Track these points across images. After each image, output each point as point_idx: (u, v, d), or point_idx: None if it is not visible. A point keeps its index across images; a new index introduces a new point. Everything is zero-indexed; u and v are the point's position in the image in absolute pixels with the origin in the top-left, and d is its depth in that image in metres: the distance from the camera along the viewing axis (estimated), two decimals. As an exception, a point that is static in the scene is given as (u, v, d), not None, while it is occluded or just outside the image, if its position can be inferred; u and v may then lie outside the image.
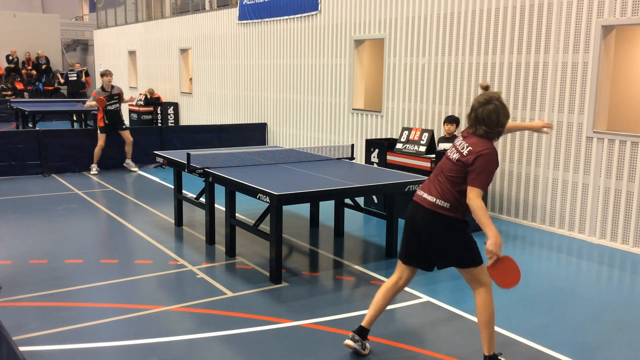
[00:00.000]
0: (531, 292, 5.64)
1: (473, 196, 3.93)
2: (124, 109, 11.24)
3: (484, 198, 4.28)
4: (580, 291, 5.76)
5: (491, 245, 3.93)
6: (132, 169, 11.54)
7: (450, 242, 4.11)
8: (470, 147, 3.92)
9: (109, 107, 11.07)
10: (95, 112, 11.78)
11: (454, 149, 4.06)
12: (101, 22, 24.18)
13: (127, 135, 11.42)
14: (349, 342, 4.26)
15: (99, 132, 11.14)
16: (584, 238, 7.43)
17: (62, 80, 21.42)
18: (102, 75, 11.15)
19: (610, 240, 7.20)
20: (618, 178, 7.07)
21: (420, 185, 4.24)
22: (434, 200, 4.06)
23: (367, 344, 4.31)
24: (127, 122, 19.16)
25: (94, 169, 11.25)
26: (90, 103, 11.23)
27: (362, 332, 4.27)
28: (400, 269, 4.30)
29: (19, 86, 24.32)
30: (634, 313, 5.21)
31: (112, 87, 11.19)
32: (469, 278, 4.15)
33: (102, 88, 11.10)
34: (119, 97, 11.23)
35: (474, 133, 3.98)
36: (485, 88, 4.17)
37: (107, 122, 11.11)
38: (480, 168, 3.86)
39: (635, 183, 6.91)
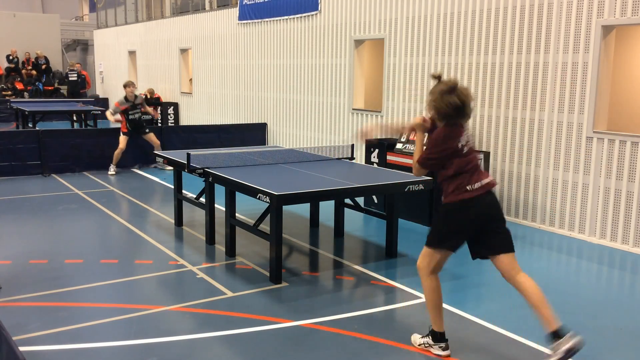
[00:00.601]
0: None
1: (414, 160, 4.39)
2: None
3: None
4: (580, 291, 5.76)
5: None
6: (168, 168, 11.15)
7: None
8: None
9: (131, 117, 11.26)
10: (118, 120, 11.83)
11: (466, 139, 4.24)
12: (101, 22, 24.19)
13: (152, 138, 11.50)
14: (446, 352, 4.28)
15: (121, 135, 11.27)
16: (584, 238, 7.43)
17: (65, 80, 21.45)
18: (125, 86, 11.25)
19: (610, 240, 7.20)
20: (618, 178, 7.07)
21: (475, 177, 4.25)
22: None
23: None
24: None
25: (112, 169, 11.27)
26: (111, 117, 11.54)
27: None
28: (442, 259, 4.31)
29: (19, 86, 24.32)
30: (634, 313, 5.21)
31: (136, 96, 11.35)
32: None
33: (126, 98, 11.21)
34: (141, 106, 11.41)
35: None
36: (438, 78, 4.34)
37: (129, 128, 11.30)
38: (430, 140, 4.29)
39: (635, 183, 6.91)
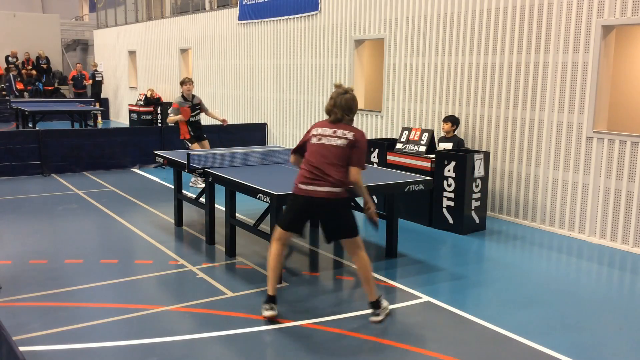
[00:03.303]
0: (531, 292, 5.65)
1: (358, 173, 4.74)
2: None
3: None
4: (580, 291, 5.76)
5: (372, 208, 4.88)
6: (199, 185, 9.88)
7: (346, 216, 4.82)
8: (352, 132, 4.71)
9: (192, 119, 9.90)
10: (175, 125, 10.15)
11: (330, 137, 4.72)
12: (101, 22, 24.19)
13: (206, 145, 10.16)
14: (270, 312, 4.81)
15: (189, 144, 9.91)
16: (584, 238, 7.43)
17: (89, 81, 21.32)
18: (182, 83, 9.79)
19: (610, 240, 7.20)
20: (618, 178, 7.07)
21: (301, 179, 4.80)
22: (331, 189, 4.69)
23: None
24: (127, 122, 19.28)
25: (199, 181, 9.77)
26: (175, 118, 9.72)
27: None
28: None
29: (19, 86, 24.32)
30: (634, 313, 5.21)
31: (193, 96, 9.94)
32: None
33: (183, 97, 9.82)
34: (200, 108, 10.04)
35: (341, 120, 4.77)
36: (338, 86, 4.88)
37: (192, 133, 9.96)
38: (364, 149, 4.78)
39: (635, 183, 6.91)
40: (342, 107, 4.77)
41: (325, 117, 4.92)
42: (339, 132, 4.74)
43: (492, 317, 4.98)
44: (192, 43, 16.87)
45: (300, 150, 4.97)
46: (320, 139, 4.77)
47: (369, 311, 4.86)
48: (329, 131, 4.77)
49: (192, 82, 9.96)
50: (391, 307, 5.04)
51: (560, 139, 7.64)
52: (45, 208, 8.54)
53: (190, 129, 9.95)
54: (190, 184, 10.10)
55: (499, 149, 8.36)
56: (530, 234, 7.69)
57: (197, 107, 10.01)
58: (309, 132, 4.93)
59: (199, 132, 10.13)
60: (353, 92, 4.88)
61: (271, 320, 4.79)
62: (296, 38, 12.51)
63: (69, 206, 8.67)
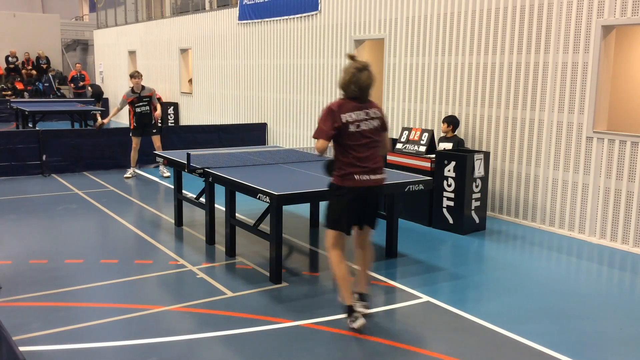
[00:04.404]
0: (531, 292, 5.65)
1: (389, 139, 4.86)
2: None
3: None
4: (580, 291, 5.76)
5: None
6: (165, 174, 10.95)
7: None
8: (377, 108, 4.67)
9: (138, 110, 10.70)
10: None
11: (366, 121, 4.59)
12: (101, 22, 24.19)
13: (156, 141, 10.88)
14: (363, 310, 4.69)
15: (131, 134, 10.86)
16: (584, 238, 7.43)
17: (88, 82, 21.45)
18: (131, 76, 10.74)
19: (610, 240, 7.20)
20: (618, 178, 7.07)
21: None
22: (383, 176, 4.75)
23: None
24: (127, 122, 19.27)
25: (129, 172, 10.91)
26: (114, 110, 10.90)
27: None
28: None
29: (19, 86, 24.33)
30: (634, 313, 5.21)
31: (143, 87, 10.81)
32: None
33: (132, 90, 10.73)
34: (149, 100, 10.79)
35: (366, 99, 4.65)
36: (352, 58, 4.68)
37: (136, 124, 10.76)
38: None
39: (635, 183, 6.91)
40: (368, 87, 4.59)
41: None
42: (370, 112, 4.62)
43: (492, 317, 4.98)
44: (192, 43, 16.88)
45: (334, 137, 4.56)
46: (359, 126, 4.54)
47: (370, 311, 4.85)
48: (362, 114, 4.57)
49: (140, 76, 10.87)
50: (391, 307, 5.04)
51: (560, 139, 7.64)
52: (45, 208, 8.54)
53: (135, 120, 10.73)
54: (160, 172, 11.01)
55: (499, 149, 8.36)
56: (530, 234, 7.69)
57: (144, 99, 10.73)
58: (335, 116, 4.52)
59: (145, 125, 10.79)
60: (369, 66, 4.64)
61: (273, 322, 4.78)
62: (296, 38, 12.51)
63: (69, 206, 8.67)
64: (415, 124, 9.64)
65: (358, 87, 4.55)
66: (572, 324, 4.98)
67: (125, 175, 10.97)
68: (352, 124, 4.52)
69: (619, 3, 6.92)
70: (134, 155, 10.95)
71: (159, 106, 11.22)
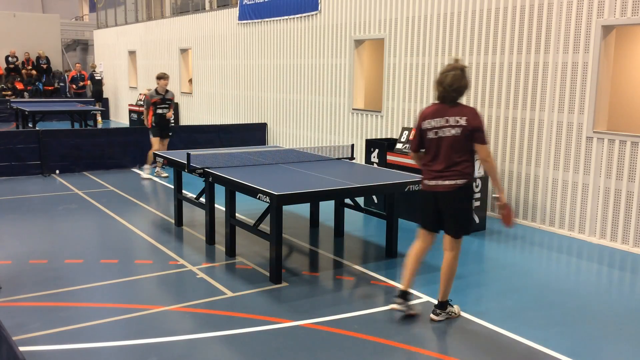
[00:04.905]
0: (531, 292, 5.65)
1: (484, 150, 4.72)
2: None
3: None
4: (580, 291, 5.76)
5: (502, 198, 4.75)
6: (145, 175, 11.04)
7: (458, 211, 4.86)
8: (464, 117, 4.59)
9: (159, 111, 10.70)
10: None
11: (444, 128, 4.62)
12: (101, 22, 24.18)
13: (165, 144, 10.89)
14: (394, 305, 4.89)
15: (151, 135, 10.82)
16: (584, 238, 7.43)
17: (87, 82, 21.45)
18: (159, 78, 10.70)
19: (610, 240, 7.20)
20: (618, 178, 7.07)
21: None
22: (453, 182, 4.73)
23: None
24: (127, 122, 19.27)
25: (146, 170, 10.94)
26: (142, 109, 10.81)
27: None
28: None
29: (19, 86, 24.33)
30: (634, 313, 5.21)
31: (167, 91, 10.82)
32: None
33: (156, 90, 10.74)
34: (170, 103, 10.86)
35: (451, 103, 4.66)
36: (456, 61, 4.68)
37: (154, 124, 10.74)
38: (482, 127, 4.67)
39: (635, 183, 6.91)
40: (452, 88, 4.54)
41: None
42: (452, 119, 4.55)
43: (492, 317, 4.98)
44: (192, 43, 16.87)
45: (420, 147, 4.79)
46: (436, 133, 4.60)
47: (370, 311, 4.85)
48: (441, 121, 4.58)
49: (168, 77, 10.89)
50: (391, 307, 5.03)
51: (560, 139, 7.64)
52: (45, 208, 8.54)
53: (154, 119, 10.71)
54: (155, 172, 10.94)
55: (499, 149, 8.36)
56: (530, 234, 7.68)
57: (167, 101, 10.79)
58: (420, 123, 4.72)
59: (163, 128, 10.78)
60: (462, 68, 4.58)
61: (273, 322, 4.78)
62: (296, 38, 12.51)
63: (69, 206, 8.67)
64: (415, 124, 9.63)
65: (442, 88, 4.58)
66: (572, 323, 4.97)
67: (143, 176, 10.90)
68: (431, 130, 4.63)
69: (619, 3, 6.92)
70: (150, 155, 10.75)
71: (171, 108, 11.24)
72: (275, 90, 13.37)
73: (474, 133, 4.54)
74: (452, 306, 4.95)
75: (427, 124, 4.66)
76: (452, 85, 4.54)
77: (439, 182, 4.66)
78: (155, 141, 10.79)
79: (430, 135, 4.66)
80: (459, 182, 4.62)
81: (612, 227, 7.16)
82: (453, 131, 4.55)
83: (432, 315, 4.88)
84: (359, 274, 6.05)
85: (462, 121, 4.53)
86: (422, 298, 5.41)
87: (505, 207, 4.74)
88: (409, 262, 4.94)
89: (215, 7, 16.00)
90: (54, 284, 5.57)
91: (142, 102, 11.01)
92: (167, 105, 10.79)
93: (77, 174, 11.19)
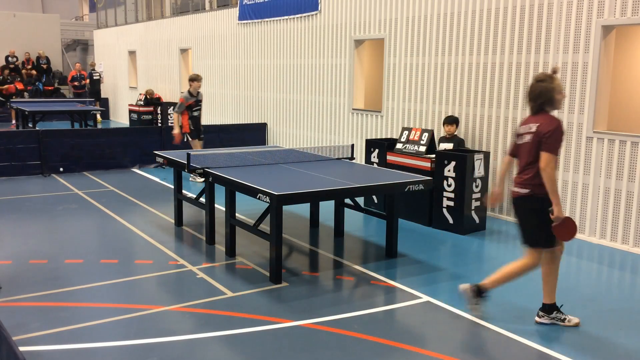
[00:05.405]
0: (531, 292, 5.64)
1: (545, 159, 4.66)
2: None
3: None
4: (580, 291, 5.76)
5: (557, 211, 4.65)
6: (198, 180, 9.88)
7: (528, 220, 4.88)
8: (537, 123, 4.62)
9: (195, 113, 10.51)
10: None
11: (523, 135, 4.72)
12: (101, 22, 24.19)
13: (199, 146, 10.62)
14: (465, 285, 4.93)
15: (190, 138, 10.54)
16: (584, 238, 7.43)
17: (87, 81, 21.47)
18: (192, 80, 10.45)
19: (610, 240, 7.20)
20: (618, 178, 7.07)
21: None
22: (521, 189, 4.79)
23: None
24: (127, 122, 19.27)
25: (198, 178, 9.88)
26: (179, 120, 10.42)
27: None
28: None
29: (19, 86, 24.32)
30: (634, 313, 5.21)
31: (198, 92, 10.57)
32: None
33: (190, 93, 10.45)
34: (201, 105, 10.68)
35: (535, 112, 4.74)
36: (555, 72, 4.75)
37: (192, 128, 10.50)
38: (552, 135, 4.64)
39: (635, 183, 6.91)
40: (533, 97, 4.67)
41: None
42: (527, 126, 4.64)
43: (491, 317, 4.98)
44: (192, 43, 16.87)
45: (513, 153, 4.90)
46: (520, 139, 4.73)
47: (370, 311, 4.83)
48: (525, 128, 4.67)
49: (202, 79, 10.66)
50: (391, 307, 5.04)
51: (560, 139, 7.63)
52: (45, 208, 8.54)
53: (190, 123, 10.49)
54: (190, 179, 10.49)
55: (499, 149, 8.36)
56: (530, 234, 7.67)
57: (200, 103, 10.60)
58: (516, 130, 4.89)
59: (198, 130, 10.61)
60: (542, 78, 4.66)
61: (273, 322, 4.79)
62: (296, 38, 12.51)
63: (69, 206, 8.67)
64: (415, 124, 9.64)
65: (527, 97, 4.75)
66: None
67: (198, 180, 10.14)
68: (519, 136, 4.74)
69: (619, 3, 6.92)
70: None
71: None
72: (275, 90, 13.37)
73: (542, 139, 4.51)
74: (562, 313, 4.86)
75: (517, 131, 4.80)
76: (529, 95, 4.72)
77: (513, 188, 4.77)
78: (196, 144, 10.56)
79: (517, 142, 4.78)
80: (522, 191, 4.66)
81: (612, 227, 7.16)
82: (527, 138, 4.62)
83: (535, 317, 4.93)
84: (359, 274, 6.05)
85: (534, 128, 4.56)
86: (422, 298, 5.41)
87: (559, 224, 4.60)
88: (506, 276, 4.91)
89: (215, 7, 16.00)
90: (54, 284, 5.57)
91: (174, 108, 10.49)
92: (200, 107, 10.61)
93: (77, 174, 11.19)
